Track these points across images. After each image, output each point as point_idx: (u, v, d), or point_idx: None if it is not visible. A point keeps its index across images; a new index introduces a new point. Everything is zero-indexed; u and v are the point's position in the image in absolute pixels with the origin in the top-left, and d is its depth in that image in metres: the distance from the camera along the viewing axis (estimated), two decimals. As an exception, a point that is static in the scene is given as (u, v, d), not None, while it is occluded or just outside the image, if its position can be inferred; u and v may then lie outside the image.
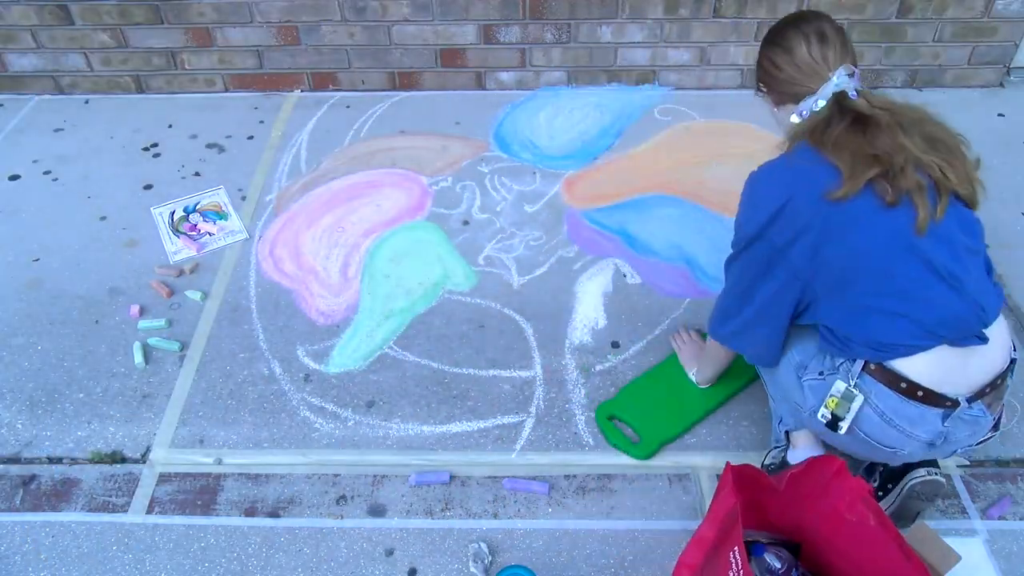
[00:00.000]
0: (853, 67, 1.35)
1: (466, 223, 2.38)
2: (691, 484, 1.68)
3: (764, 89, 1.48)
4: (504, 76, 3.00)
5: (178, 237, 2.35)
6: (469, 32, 2.86)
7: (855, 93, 1.33)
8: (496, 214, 2.42)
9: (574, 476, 1.70)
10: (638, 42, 2.89)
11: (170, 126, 2.86)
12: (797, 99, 1.39)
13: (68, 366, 1.96)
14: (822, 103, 1.34)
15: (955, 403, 1.30)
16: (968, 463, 1.70)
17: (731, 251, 1.46)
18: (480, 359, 1.95)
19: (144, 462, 1.75)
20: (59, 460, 1.76)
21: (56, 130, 2.86)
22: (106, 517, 1.64)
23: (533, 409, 1.83)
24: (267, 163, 2.66)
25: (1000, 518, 1.60)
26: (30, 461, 1.76)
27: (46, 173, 2.64)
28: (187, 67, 2.97)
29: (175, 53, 2.93)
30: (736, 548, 1.19)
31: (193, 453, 1.76)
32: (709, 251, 2.24)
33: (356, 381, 1.91)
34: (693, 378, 1.84)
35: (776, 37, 1.42)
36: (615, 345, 1.98)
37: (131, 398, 1.88)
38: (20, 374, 1.94)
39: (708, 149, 2.66)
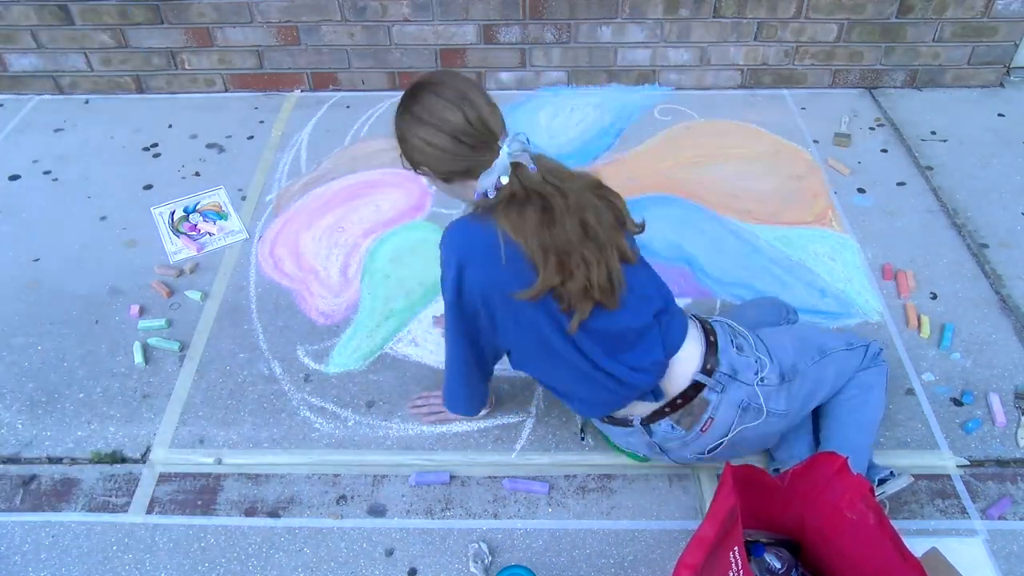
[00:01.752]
0: (503, 130, 1.31)
1: (466, 223, 2.38)
2: (691, 484, 1.68)
3: (428, 171, 1.35)
4: (504, 76, 3.00)
5: (178, 237, 2.35)
6: (469, 32, 2.87)
7: (533, 165, 1.28)
8: (496, 214, 2.41)
9: (574, 476, 1.70)
10: (638, 42, 2.89)
11: (170, 126, 2.86)
12: (472, 174, 1.30)
13: (68, 366, 1.96)
14: (505, 179, 1.27)
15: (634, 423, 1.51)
16: (968, 463, 1.70)
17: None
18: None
19: (144, 462, 1.75)
20: (59, 460, 1.76)
21: (56, 130, 2.86)
22: (106, 517, 1.64)
23: (533, 409, 1.83)
24: (267, 163, 2.66)
25: (1000, 518, 1.60)
26: (30, 461, 1.76)
27: (46, 173, 2.64)
28: (187, 67, 2.98)
29: (175, 53, 2.93)
30: (736, 548, 1.19)
31: (193, 453, 1.76)
32: (709, 251, 2.24)
33: (356, 381, 1.91)
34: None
35: (421, 112, 1.28)
36: (615, 345, 1.98)
37: (131, 398, 1.88)
38: (20, 374, 1.94)
39: (708, 149, 2.66)
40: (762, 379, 1.45)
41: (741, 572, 1.17)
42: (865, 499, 1.26)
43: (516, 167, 1.27)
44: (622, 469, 1.71)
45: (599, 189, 1.38)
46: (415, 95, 1.29)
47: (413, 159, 1.34)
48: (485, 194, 1.29)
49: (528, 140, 1.29)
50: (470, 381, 1.59)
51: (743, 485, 1.33)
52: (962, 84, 3.00)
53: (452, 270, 1.34)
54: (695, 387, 1.44)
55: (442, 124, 1.26)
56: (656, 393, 1.45)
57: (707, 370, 1.44)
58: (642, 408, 1.49)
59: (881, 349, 1.66)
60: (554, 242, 1.28)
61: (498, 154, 1.27)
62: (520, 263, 1.29)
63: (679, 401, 1.45)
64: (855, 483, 1.28)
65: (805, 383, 1.51)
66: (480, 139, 1.27)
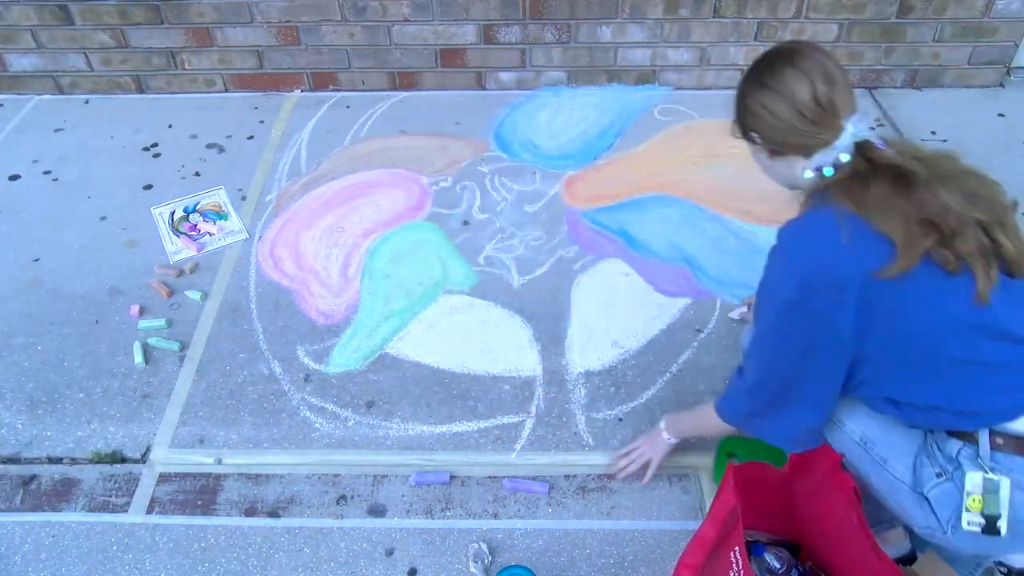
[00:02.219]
0: (853, 110, 1.18)
1: (466, 223, 2.38)
2: (691, 484, 1.68)
3: (757, 139, 1.26)
4: (504, 76, 3.00)
5: (178, 237, 2.35)
6: (469, 32, 2.86)
7: (882, 142, 1.16)
8: (496, 214, 2.42)
9: (574, 476, 1.70)
10: (638, 42, 2.89)
11: (170, 126, 2.86)
12: (806, 151, 1.20)
13: (68, 366, 1.96)
14: (846, 157, 1.16)
15: None
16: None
17: (755, 323, 1.29)
18: (480, 359, 1.95)
19: (144, 462, 1.75)
20: (59, 460, 1.76)
21: (56, 130, 2.86)
22: (106, 517, 1.64)
23: (533, 409, 1.83)
24: (267, 163, 2.66)
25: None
26: (30, 461, 1.76)
27: (46, 173, 2.64)
28: (187, 67, 2.98)
29: (175, 53, 2.93)
30: (737, 548, 1.19)
31: (193, 453, 1.76)
32: (709, 251, 2.24)
33: (356, 381, 1.91)
34: (665, 440, 1.62)
35: (768, 78, 1.20)
36: (615, 345, 1.98)
37: (131, 398, 1.88)
38: (20, 374, 1.94)
39: (708, 149, 2.66)
40: None
41: (742, 572, 1.17)
42: (849, 498, 1.25)
43: (861, 146, 1.15)
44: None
45: (977, 174, 1.18)
46: (769, 61, 1.22)
47: (745, 123, 1.26)
48: (820, 173, 1.18)
49: (876, 121, 1.17)
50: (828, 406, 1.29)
51: (745, 484, 1.33)
52: (962, 84, 3.00)
53: (816, 268, 1.15)
54: None
55: (787, 93, 1.18)
56: None
57: None
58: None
59: None
60: (919, 207, 1.10)
61: (840, 134, 1.16)
62: (870, 240, 1.10)
63: None
64: (843, 482, 1.27)
65: None
66: (824, 116, 1.17)
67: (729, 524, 1.25)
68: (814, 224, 1.18)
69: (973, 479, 1.10)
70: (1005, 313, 1.11)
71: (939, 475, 1.16)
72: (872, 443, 1.28)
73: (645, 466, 1.64)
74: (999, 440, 1.11)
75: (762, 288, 1.26)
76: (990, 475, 1.09)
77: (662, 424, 1.63)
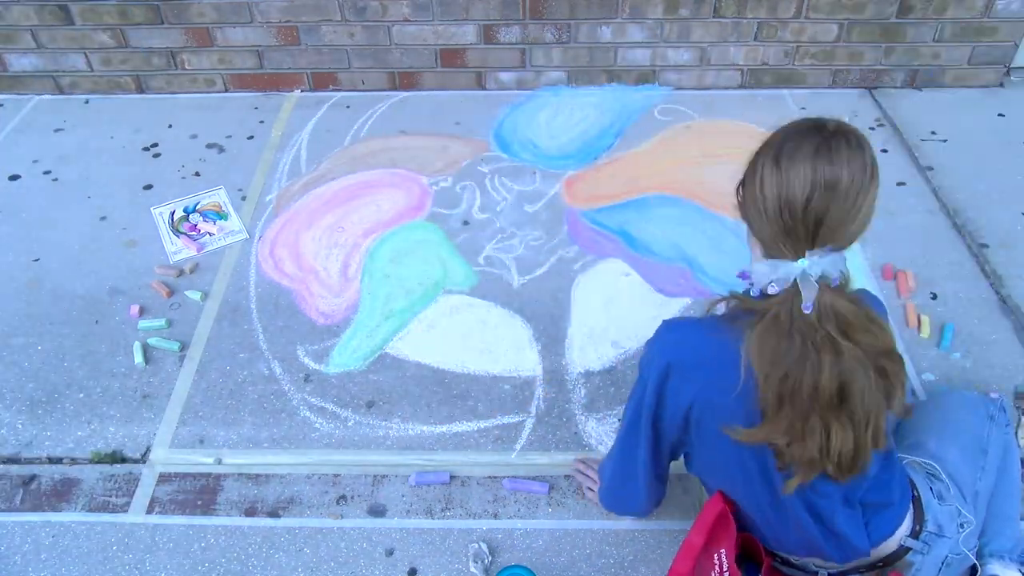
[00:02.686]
0: (834, 246, 1.02)
1: (466, 223, 2.38)
2: (691, 484, 1.67)
3: (739, 200, 1.13)
4: (504, 76, 3.00)
5: (178, 237, 2.35)
6: (469, 32, 2.87)
7: (813, 301, 1.00)
8: (496, 214, 2.42)
9: (574, 476, 1.70)
10: (638, 42, 2.89)
11: (170, 126, 2.86)
12: (763, 248, 1.08)
13: (68, 366, 1.96)
14: (775, 289, 1.03)
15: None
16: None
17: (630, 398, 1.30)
18: (480, 359, 1.95)
19: (144, 462, 1.75)
20: (59, 460, 1.76)
21: (56, 130, 2.86)
22: (106, 517, 1.64)
23: (533, 409, 1.83)
24: (267, 163, 2.66)
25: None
26: (30, 461, 1.76)
27: (46, 173, 2.64)
28: (187, 67, 2.98)
29: (175, 53, 2.93)
30: (723, 550, 1.19)
31: (193, 453, 1.76)
32: (709, 251, 2.24)
33: (356, 381, 1.91)
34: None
35: (786, 162, 1.03)
36: (615, 345, 1.98)
37: (131, 398, 1.88)
38: (20, 374, 1.94)
39: (708, 149, 2.66)
40: (962, 525, 1.29)
41: (728, 572, 1.18)
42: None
43: (804, 284, 1.01)
44: (622, 469, 1.71)
45: (884, 358, 1.06)
46: (798, 143, 1.04)
47: (743, 180, 1.12)
48: (749, 289, 1.08)
49: (844, 270, 1.02)
50: (649, 487, 1.39)
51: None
52: (962, 84, 3.00)
53: (655, 371, 1.17)
54: (900, 552, 1.27)
55: (788, 191, 1.01)
56: (847, 561, 1.27)
57: (915, 532, 1.26)
58: (830, 565, 1.29)
59: (1000, 396, 1.58)
60: (794, 398, 1.03)
61: (796, 256, 1.02)
62: (750, 397, 1.07)
63: (880, 565, 1.28)
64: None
65: (983, 499, 1.38)
66: (793, 230, 1.02)
67: (716, 529, 1.25)
68: (716, 351, 1.13)
69: None
70: (791, 498, 1.17)
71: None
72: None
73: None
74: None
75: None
76: None
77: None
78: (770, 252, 1.07)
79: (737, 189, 1.14)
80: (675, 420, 1.21)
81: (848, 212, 1.01)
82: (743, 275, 1.11)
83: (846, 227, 1.02)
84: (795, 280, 1.02)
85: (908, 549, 1.26)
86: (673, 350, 1.18)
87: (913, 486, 1.30)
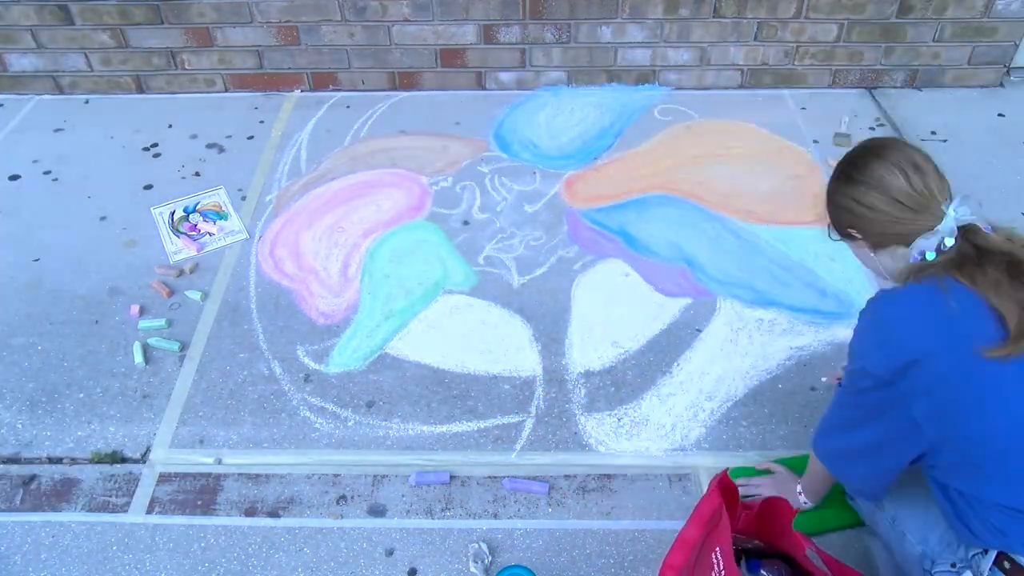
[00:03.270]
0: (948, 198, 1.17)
1: (466, 223, 2.38)
2: (691, 484, 1.68)
3: (857, 235, 1.25)
4: (504, 76, 3.00)
5: (178, 237, 2.35)
6: (469, 32, 2.87)
7: (989, 227, 1.16)
8: (496, 214, 2.42)
9: (574, 476, 1.70)
10: (638, 42, 2.89)
11: (170, 126, 2.86)
12: (907, 239, 1.19)
13: (68, 366, 1.96)
14: (950, 241, 1.14)
15: None
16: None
17: (848, 373, 1.26)
18: (480, 359, 1.95)
19: (144, 462, 1.75)
20: (59, 460, 1.76)
21: (56, 130, 2.86)
22: (106, 517, 1.64)
23: (533, 409, 1.83)
24: (267, 163, 2.66)
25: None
26: (30, 461, 1.76)
27: (46, 173, 2.64)
28: (187, 67, 2.97)
29: (175, 53, 2.93)
30: (718, 548, 1.18)
31: (193, 453, 1.76)
32: (709, 251, 2.24)
33: (356, 381, 1.91)
34: (801, 503, 1.53)
35: (857, 173, 1.21)
36: (615, 345, 1.98)
37: (131, 398, 1.88)
38: (20, 374, 1.94)
39: (708, 149, 2.66)
40: None
41: (723, 572, 1.17)
42: (805, 558, 1.27)
43: (966, 231, 1.14)
44: (622, 469, 1.71)
45: None
46: (853, 158, 1.23)
47: (842, 221, 1.25)
48: (923, 257, 1.16)
49: (980, 205, 1.14)
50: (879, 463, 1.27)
51: (733, 494, 1.32)
52: (962, 84, 3.00)
53: (913, 350, 1.12)
54: None
55: (879, 184, 1.18)
56: None
57: None
58: None
59: None
60: None
61: (943, 219, 1.15)
62: (979, 318, 1.08)
63: None
64: (797, 541, 1.27)
65: None
66: (922, 202, 1.16)
67: (713, 525, 1.25)
68: (916, 296, 1.15)
69: None
70: None
71: (952, 566, 1.21)
72: (900, 520, 1.34)
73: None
74: (1006, 564, 1.14)
75: (853, 348, 1.24)
76: None
77: (798, 488, 1.54)
78: (912, 238, 1.18)
79: (847, 235, 1.26)
80: (930, 404, 1.13)
81: (935, 168, 1.20)
82: (916, 255, 1.18)
83: (942, 179, 1.20)
84: (957, 225, 1.14)
85: None
86: (898, 313, 1.17)
87: None
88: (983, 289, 1.09)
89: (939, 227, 1.15)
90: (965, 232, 1.15)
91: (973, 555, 1.18)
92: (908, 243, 1.19)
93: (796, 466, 1.61)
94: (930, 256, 1.16)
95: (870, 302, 1.22)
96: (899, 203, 1.17)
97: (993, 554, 1.15)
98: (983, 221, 1.16)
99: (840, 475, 1.36)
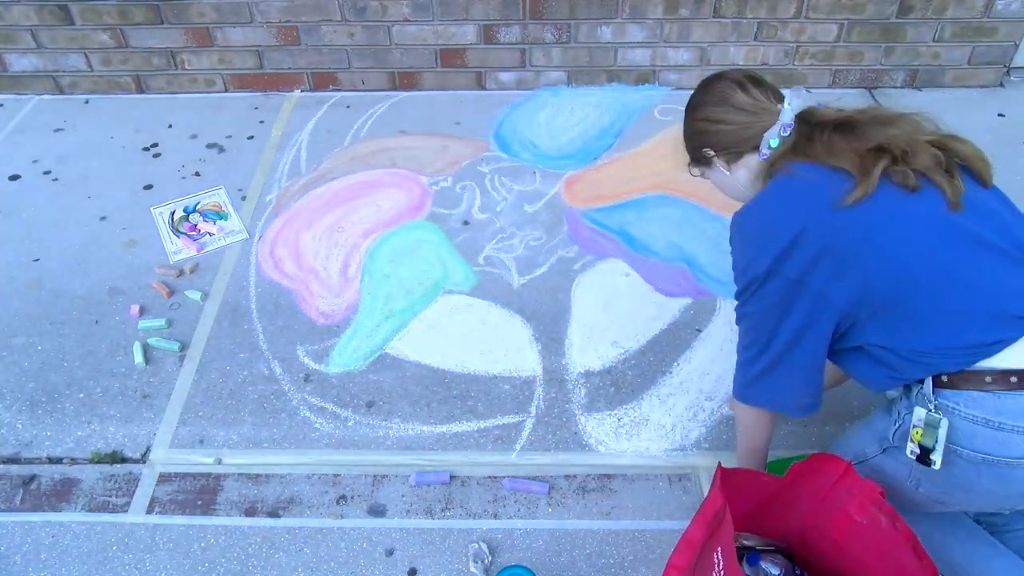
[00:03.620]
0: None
1: (466, 223, 2.38)
2: (691, 484, 1.68)
3: (711, 153, 1.33)
4: (504, 76, 3.00)
5: (178, 237, 2.35)
6: (469, 32, 2.86)
7: (821, 105, 1.27)
8: (496, 214, 2.42)
9: (574, 476, 1.70)
10: (638, 42, 2.89)
11: (170, 126, 2.86)
12: (754, 143, 1.28)
13: (68, 366, 1.96)
14: (789, 128, 1.24)
15: None
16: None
17: (736, 303, 1.30)
18: (480, 359, 1.95)
19: (144, 462, 1.75)
20: (59, 460, 1.76)
21: (56, 130, 2.86)
22: (106, 517, 1.64)
23: (533, 409, 1.83)
24: (267, 163, 2.66)
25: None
26: (30, 461, 1.76)
27: (46, 173, 2.64)
28: (187, 67, 2.97)
29: (175, 53, 2.93)
30: (720, 548, 1.18)
31: (193, 453, 1.76)
32: (709, 251, 2.24)
33: (356, 381, 1.91)
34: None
35: (703, 97, 1.33)
36: (615, 345, 1.98)
37: (131, 398, 1.88)
38: (20, 374, 1.94)
39: (708, 149, 2.66)
40: None
41: (723, 572, 1.17)
42: (876, 503, 1.25)
43: (801, 115, 1.25)
44: (622, 469, 1.71)
45: (913, 115, 1.28)
46: (698, 88, 1.35)
47: (696, 145, 1.35)
48: (769, 150, 1.26)
49: (809, 91, 1.26)
50: (813, 375, 1.27)
51: (739, 490, 1.32)
52: (962, 84, 3.00)
53: (785, 233, 1.16)
54: None
55: (723, 99, 1.28)
56: None
57: None
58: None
59: None
60: (866, 141, 1.17)
61: (781, 113, 1.25)
62: (824, 176, 1.17)
63: None
64: (865, 487, 1.26)
65: None
66: (761, 107, 1.26)
67: (716, 525, 1.25)
68: (768, 193, 1.24)
69: (917, 414, 1.16)
70: (981, 224, 1.14)
71: (895, 422, 1.23)
72: (843, 443, 1.41)
73: None
74: (944, 378, 1.14)
75: (735, 273, 1.28)
76: (933, 412, 1.14)
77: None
78: (759, 139, 1.27)
79: (704, 157, 1.35)
80: (825, 272, 1.16)
81: (766, 83, 1.30)
82: (762, 153, 1.27)
83: (776, 89, 1.30)
84: (795, 114, 1.25)
85: None
86: (762, 212, 1.24)
87: None
88: (818, 157, 1.18)
89: (780, 120, 1.24)
90: (800, 116, 1.25)
91: (915, 394, 1.19)
92: (757, 147, 1.27)
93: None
94: (774, 143, 1.24)
95: (732, 222, 1.28)
96: (743, 110, 1.27)
97: (930, 378, 1.15)
98: (816, 105, 1.27)
99: (773, 401, 1.32)
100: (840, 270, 1.14)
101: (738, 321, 1.31)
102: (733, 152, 1.31)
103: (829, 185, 1.16)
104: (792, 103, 1.25)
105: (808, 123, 1.24)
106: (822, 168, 1.18)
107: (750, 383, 1.31)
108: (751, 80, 1.29)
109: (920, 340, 1.15)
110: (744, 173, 1.32)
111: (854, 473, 1.28)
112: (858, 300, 1.15)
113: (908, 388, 1.21)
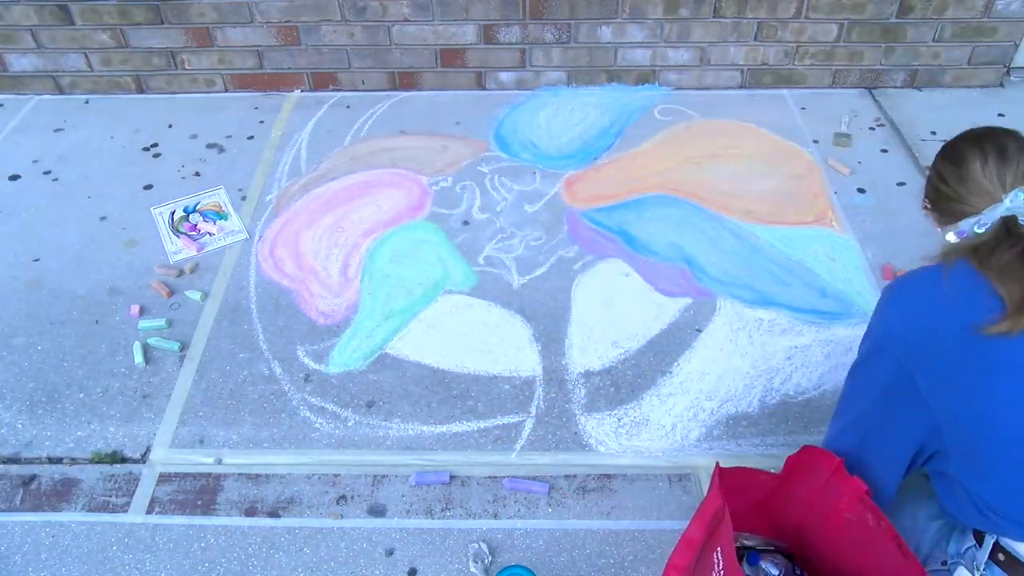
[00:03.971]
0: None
1: (466, 223, 2.38)
2: (691, 484, 1.68)
3: (928, 205, 1.27)
4: (504, 76, 3.00)
5: (178, 237, 2.35)
6: (469, 32, 2.87)
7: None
8: (496, 214, 2.42)
9: (574, 476, 1.70)
10: (638, 42, 2.89)
11: (170, 126, 2.86)
12: (956, 217, 1.20)
13: (68, 366, 1.96)
14: (984, 227, 1.15)
15: None
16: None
17: (859, 362, 1.29)
18: (480, 359, 1.95)
19: (144, 462, 1.75)
20: (59, 460, 1.76)
21: (56, 130, 2.86)
22: (106, 517, 1.64)
23: (533, 409, 1.83)
24: (267, 163, 2.66)
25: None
26: (30, 461, 1.76)
27: (46, 173, 2.64)
28: (187, 67, 2.97)
29: (175, 53, 2.93)
30: (720, 548, 1.18)
31: (193, 453, 1.76)
32: (709, 251, 2.24)
33: (356, 381, 1.91)
34: None
35: (950, 151, 1.23)
36: (615, 345, 1.98)
37: (131, 398, 1.88)
38: (20, 374, 1.94)
39: (708, 149, 2.66)
40: None
41: (723, 572, 1.17)
42: (863, 500, 1.26)
43: (1007, 219, 1.13)
44: (622, 469, 1.71)
45: None
46: (961, 137, 1.24)
47: (925, 193, 1.28)
48: (959, 235, 1.18)
49: None
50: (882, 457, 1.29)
51: (738, 489, 1.32)
52: (962, 84, 3.00)
53: (913, 316, 1.17)
54: None
55: (960, 162, 1.19)
56: None
57: None
58: None
59: None
60: None
61: (995, 206, 1.15)
62: (979, 294, 1.10)
63: None
64: (852, 485, 1.27)
65: None
66: (985, 188, 1.16)
67: (715, 525, 1.25)
68: (916, 275, 1.21)
69: (962, 573, 1.18)
70: None
71: (943, 564, 1.23)
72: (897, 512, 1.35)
73: None
74: (1001, 556, 1.15)
75: (867, 331, 1.28)
76: None
77: None
78: (961, 216, 1.18)
79: (924, 206, 1.28)
80: (934, 378, 1.16)
81: (1019, 165, 1.16)
82: (960, 233, 1.19)
83: (1020, 172, 1.16)
84: (1002, 215, 1.13)
85: None
86: (897, 290, 1.23)
87: None
88: (987, 270, 1.10)
89: (987, 211, 1.15)
90: (1005, 220, 1.14)
91: (967, 549, 1.19)
92: (957, 220, 1.20)
93: None
94: (956, 238, 1.18)
95: (882, 292, 1.27)
96: (966, 185, 1.17)
97: (989, 546, 1.16)
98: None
99: (854, 473, 1.33)
100: (948, 386, 1.13)
101: (848, 377, 1.32)
102: (942, 215, 1.24)
103: (978, 306, 1.10)
104: (1012, 200, 1.14)
105: (1007, 228, 1.14)
106: (981, 285, 1.11)
107: (847, 453, 1.32)
108: (1001, 153, 1.16)
109: (988, 490, 1.14)
110: (944, 237, 1.25)
111: (843, 470, 1.28)
112: (948, 422, 1.14)
113: (964, 534, 1.22)
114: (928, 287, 1.17)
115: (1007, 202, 1.13)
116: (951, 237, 1.20)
